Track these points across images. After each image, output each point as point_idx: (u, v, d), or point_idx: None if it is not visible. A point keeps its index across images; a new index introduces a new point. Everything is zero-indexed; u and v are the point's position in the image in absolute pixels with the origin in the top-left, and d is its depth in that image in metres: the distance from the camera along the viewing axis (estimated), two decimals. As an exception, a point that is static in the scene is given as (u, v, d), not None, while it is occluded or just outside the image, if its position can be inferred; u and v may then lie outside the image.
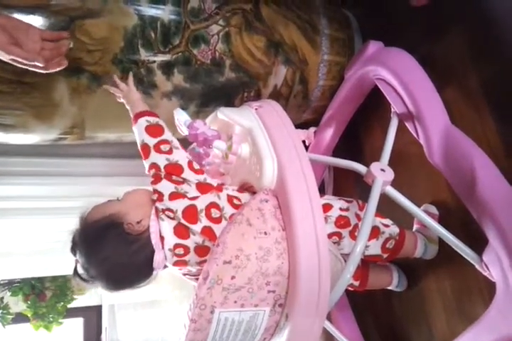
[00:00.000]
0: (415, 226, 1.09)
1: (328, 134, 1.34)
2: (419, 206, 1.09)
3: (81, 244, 0.86)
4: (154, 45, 1.04)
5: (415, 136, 0.99)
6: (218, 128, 1.06)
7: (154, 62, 1.06)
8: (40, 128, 1.09)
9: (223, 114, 1.00)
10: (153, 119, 0.94)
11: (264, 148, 0.88)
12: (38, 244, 2.08)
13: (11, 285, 3.65)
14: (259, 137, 0.91)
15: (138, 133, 0.94)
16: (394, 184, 0.89)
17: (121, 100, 1.02)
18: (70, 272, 0.90)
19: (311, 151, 1.39)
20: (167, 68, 1.07)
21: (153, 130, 0.92)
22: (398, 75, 1.01)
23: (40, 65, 0.82)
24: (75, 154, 1.52)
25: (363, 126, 1.37)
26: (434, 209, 1.06)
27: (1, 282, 3.58)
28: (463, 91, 1.03)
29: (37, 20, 0.94)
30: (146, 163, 0.91)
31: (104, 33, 0.99)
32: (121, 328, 4.16)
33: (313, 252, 0.77)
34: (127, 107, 1.00)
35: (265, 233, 0.79)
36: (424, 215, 0.87)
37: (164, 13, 1.04)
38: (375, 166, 0.89)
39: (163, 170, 0.88)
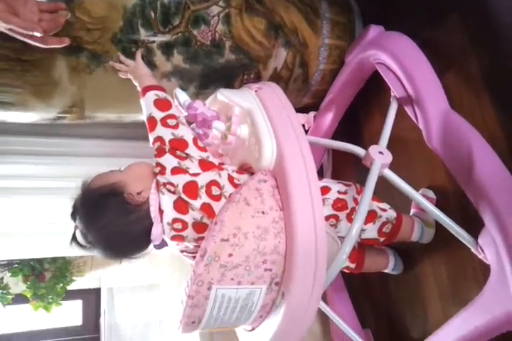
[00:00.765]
0: (412, 210, 1.10)
1: (328, 118, 1.34)
2: (416, 190, 1.10)
3: (81, 210, 0.88)
4: (154, 24, 1.04)
5: (414, 120, 0.99)
6: (218, 110, 1.06)
7: (154, 42, 1.05)
8: (39, 106, 1.09)
9: (223, 95, 1.00)
10: (161, 94, 0.95)
11: (263, 129, 0.88)
12: (37, 225, 2.07)
13: (10, 266, 3.68)
14: (259, 118, 0.91)
15: (146, 106, 0.95)
16: (392, 168, 0.90)
17: (128, 76, 1.02)
18: (70, 253, 0.92)
19: (310, 135, 1.39)
20: (167, 48, 1.06)
21: (162, 104, 0.93)
22: (398, 59, 1.01)
23: (39, 34, 0.81)
24: (74, 134, 1.52)
25: (363, 111, 1.37)
26: (431, 194, 1.06)
27: (1, 262, 3.61)
28: (463, 76, 1.03)
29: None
30: (151, 136, 0.92)
31: (104, 11, 0.99)
32: (119, 311, 4.20)
33: (311, 232, 0.78)
34: (134, 83, 1.01)
35: (263, 212, 0.79)
36: (421, 198, 0.88)
37: (164, -8, 1.03)
38: (373, 149, 0.89)
39: (167, 144, 0.88)
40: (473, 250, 0.84)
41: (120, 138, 1.55)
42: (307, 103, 1.41)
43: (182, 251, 0.97)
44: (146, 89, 0.96)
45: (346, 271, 1.11)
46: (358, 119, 1.39)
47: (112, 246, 0.89)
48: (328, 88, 1.32)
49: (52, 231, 2.09)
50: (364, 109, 1.35)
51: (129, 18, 1.01)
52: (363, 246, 1.08)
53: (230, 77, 1.18)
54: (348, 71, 1.22)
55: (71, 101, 1.09)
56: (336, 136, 1.41)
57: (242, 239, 0.76)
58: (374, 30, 1.14)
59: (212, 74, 1.15)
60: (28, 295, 3.73)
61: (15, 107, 1.08)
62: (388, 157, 0.88)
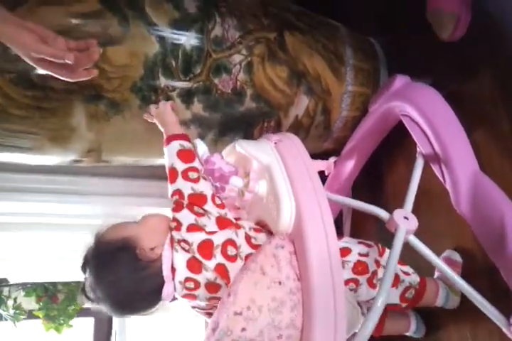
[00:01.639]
0: (437, 274, 1.04)
1: (349, 166, 1.30)
2: (441, 251, 1.05)
3: (92, 264, 0.86)
4: (175, 73, 1.02)
5: (441, 179, 0.95)
6: (235, 161, 1.03)
7: (174, 90, 1.03)
8: (56, 151, 1.08)
9: (241, 148, 0.97)
10: (186, 144, 0.94)
11: (282, 189, 0.85)
12: (53, 253, 2.08)
13: (24, 285, 3.67)
14: (278, 176, 0.87)
15: (169, 155, 0.93)
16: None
17: (154, 120, 1.00)
18: (81, 279, 0.90)
19: (330, 182, 1.35)
20: (187, 97, 1.04)
21: (185, 155, 0.92)
22: (425, 115, 0.97)
23: (71, 61, 0.78)
24: (92, 172, 1.51)
25: (386, 159, 1.33)
26: (457, 257, 1.01)
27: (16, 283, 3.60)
28: (492, 134, 0.99)
29: (57, 47, 0.91)
30: (171, 188, 0.90)
31: (125, 60, 0.97)
32: (131, 333, 4.13)
33: (330, 306, 0.74)
34: (160, 128, 0.99)
35: (279, 283, 0.75)
36: (446, 268, 0.83)
37: (187, 40, 1.01)
38: (398, 213, 0.85)
39: (186, 198, 0.87)
40: (504, 329, 0.78)
41: (136, 176, 1.53)
42: (328, 148, 1.37)
43: (193, 307, 0.94)
44: (171, 138, 0.95)
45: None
46: (381, 167, 1.35)
47: (120, 304, 0.86)
48: (349, 134, 1.29)
49: (66, 259, 2.08)
50: (387, 157, 1.31)
51: (150, 66, 0.99)
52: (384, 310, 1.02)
53: (249, 125, 1.15)
54: (372, 120, 1.19)
55: (88, 146, 1.08)
56: (357, 184, 1.37)
57: (257, 313, 0.72)
58: (400, 80, 1.11)
59: (232, 122, 1.12)
60: (40, 316, 3.71)
61: (32, 151, 1.06)
62: (414, 223, 0.84)
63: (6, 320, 3.47)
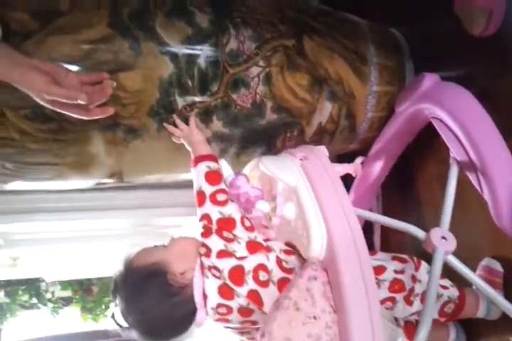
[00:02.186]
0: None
1: (377, 168, 1.26)
2: (480, 259, 1.01)
3: (122, 290, 0.85)
4: (192, 92, 0.98)
5: (478, 189, 0.90)
6: (260, 177, 1.00)
7: (192, 110, 0.99)
8: (77, 178, 1.07)
9: (266, 168, 0.94)
10: (213, 165, 0.93)
11: (311, 215, 0.82)
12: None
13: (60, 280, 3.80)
14: (306, 200, 0.85)
15: (196, 178, 0.92)
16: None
17: (181, 141, 0.99)
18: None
19: (357, 184, 1.31)
20: (205, 115, 1.01)
21: (212, 177, 0.91)
22: (458, 119, 0.92)
23: (84, 101, 0.77)
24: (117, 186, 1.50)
25: (416, 156, 1.27)
26: (497, 266, 0.96)
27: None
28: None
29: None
30: (199, 211, 0.89)
31: (139, 85, 0.94)
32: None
33: (368, 337, 0.71)
34: (188, 148, 0.98)
35: (314, 317, 0.73)
36: (487, 288, 0.79)
37: (201, 57, 0.97)
38: (435, 233, 0.81)
39: (215, 223, 0.86)
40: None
41: (161, 187, 1.52)
42: (354, 148, 1.33)
43: (226, 327, 0.93)
44: (199, 160, 0.94)
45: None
46: (411, 166, 1.29)
47: (151, 331, 0.85)
48: (376, 135, 1.24)
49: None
50: (417, 154, 1.26)
51: (165, 88, 0.96)
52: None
53: (271, 137, 1.11)
54: (400, 122, 1.13)
55: (109, 172, 1.06)
56: (385, 186, 1.32)
57: (294, 351, 0.70)
58: (429, 80, 1.05)
59: (254, 135, 1.09)
60: (78, 308, 3.85)
61: (53, 180, 1.06)
62: (452, 243, 0.80)
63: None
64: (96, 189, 1.43)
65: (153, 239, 1.82)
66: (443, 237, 0.80)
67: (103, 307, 3.87)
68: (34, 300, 3.74)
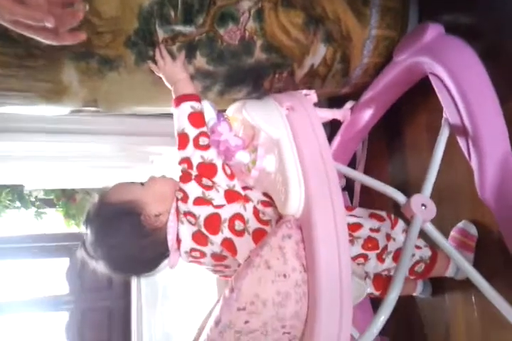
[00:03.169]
0: (450, 243, 1.00)
1: (367, 115, 1.21)
2: (457, 222, 1.01)
3: (94, 223, 0.85)
4: (174, 24, 0.89)
5: (466, 156, 0.87)
6: (243, 120, 0.96)
7: (174, 44, 0.91)
8: (50, 107, 1.00)
9: (250, 117, 0.89)
10: (197, 106, 0.87)
11: (291, 171, 0.79)
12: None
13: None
14: (287, 155, 0.81)
15: (179, 118, 0.88)
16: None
17: (160, 74, 0.92)
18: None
19: (345, 129, 1.28)
20: (188, 51, 0.93)
21: (196, 118, 0.86)
22: (457, 80, 0.87)
23: (51, 24, 0.68)
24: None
25: (407, 107, 1.23)
26: (473, 230, 0.97)
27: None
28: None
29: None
30: (180, 154, 0.86)
31: (116, 11, 0.85)
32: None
33: (336, 298, 0.73)
34: (166, 84, 0.91)
35: (284, 275, 0.73)
36: (460, 258, 0.79)
37: (187, -15, 0.87)
38: (416, 200, 0.79)
39: (195, 168, 0.83)
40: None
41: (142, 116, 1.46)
42: (345, 93, 1.26)
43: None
44: (182, 99, 0.88)
45: (371, 296, 1.06)
46: (401, 115, 1.25)
47: (118, 267, 0.86)
48: (370, 81, 1.17)
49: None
50: (408, 105, 1.21)
51: (145, 18, 0.87)
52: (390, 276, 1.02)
53: (259, 77, 1.04)
54: (396, 72, 1.07)
55: (83, 102, 1.00)
56: (373, 135, 1.29)
57: (260, 307, 0.71)
58: (432, 31, 0.97)
59: (240, 74, 1.02)
60: (61, 214, 3.93)
61: (25, 107, 0.99)
62: (431, 212, 0.79)
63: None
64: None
65: (133, 162, 1.81)
66: (423, 204, 0.79)
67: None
68: (18, 204, 3.77)
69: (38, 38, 0.73)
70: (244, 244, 0.82)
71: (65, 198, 3.93)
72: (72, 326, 3.86)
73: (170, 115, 0.95)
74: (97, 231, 0.84)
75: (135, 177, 1.96)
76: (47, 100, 0.96)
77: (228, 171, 0.85)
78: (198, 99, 0.89)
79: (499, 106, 0.81)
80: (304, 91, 1.04)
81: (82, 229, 0.88)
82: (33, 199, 3.82)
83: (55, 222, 4.06)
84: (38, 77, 0.90)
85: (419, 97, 1.14)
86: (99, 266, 0.85)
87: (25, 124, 1.39)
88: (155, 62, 0.91)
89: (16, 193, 3.69)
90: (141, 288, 3.35)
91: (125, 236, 0.83)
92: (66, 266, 4.06)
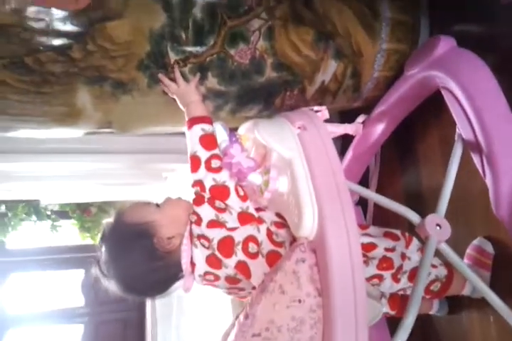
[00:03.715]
0: (466, 262, 0.99)
1: (378, 129, 1.20)
2: (473, 239, 1.00)
3: (108, 243, 0.86)
4: (185, 46, 0.90)
5: (481, 172, 0.86)
6: (255, 139, 0.96)
7: (185, 65, 0.92)
8: (65, 130, 1.02)
9: (260, 136, 0.89)
10: (208, 128, 0.88)
11: (304, 193, 0.79)
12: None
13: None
14: (300, 176, 0.81)
15: (191, 141, 0.88)
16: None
17: (173, 96, 0.93)
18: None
19: (357, 143, 1.27)
20: (199, 71, 0.94)
21: (208, 141, 0.87)
22: (470, 97, 0.86)
23: None
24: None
25: (419, 120, 1.22)
26: (489, 247, 0.95)
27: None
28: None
29: (50, 26, 0.81)
30: (193, 177, 0.86)
31: (128, 36, 0.86)
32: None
33: (351, 323, 0.72)
34: (180, 106, 0.93)
35: (299, 301, 0.73)
36: (476, 279, 0.78)
37: (197, 7, 0.88)
38: (430, 221, 0.78)
39: (208, 191, 0.83)
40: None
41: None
42: (357, 107, 1.26)
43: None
44: (194, 121, 0.89)
45: (387, 315, 1.05)
46: (413, 128, 1.24)
47: (129, 288, 0.86)
48: (381, 94, 1.17)
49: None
50: (420, 117, 1.20)
51: (156, 41, 0.88)
52: (406, 295, 1.01)
53: (270, 95, 1.05)
54: (408, 86, 1.06)
55: (97, 125, 1.01)
56: (385, 150, 1.28)
57: (275, 333, 0.71)
58: (444, 44, 0.96)
59: (251, 93, 1.02)
60: (76, 227, 3.96)
61: (40, 130, 1.01)
62: (446, 232, 0.78)
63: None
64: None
65: (146, 179, 1.82)
66: (438, 225, 0.78)
67: (101, 226, 3.95)
68: (34, 218, 3.81)
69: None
70: (258, 267, 0.82)
71: (80, 211, 3.96)
72: (86, 339, 3.86)
73: (181, 133, 0.95)
74: (111, 251, 0.85)
75: (149, 193, 1.97)
76: (62, 124, 0.97)
77: (241, 193, 0.85)
78: (210, 122, 0.89)
79: (513, 121, 0.80)
80: (316, 108, 1.04)
81: (98, 246, 0.88)
82: (48, 212, 3.86)
83: (70, 234, 4.09)
84: (53, 103, 0.91)
85: (431, 111, 1.14)
86: (111, 285, 0.85)
87: (41, 145, 1.41)
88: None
89: (32, 207, 3.73)
90: (156, 300, 3.35)
91: (137, 258, 0.83)
92: (81, 277, 4.08)
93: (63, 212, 3.91)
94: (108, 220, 0.90)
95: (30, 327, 3.84)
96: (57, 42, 0.81)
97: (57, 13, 0.80)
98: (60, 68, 0.84)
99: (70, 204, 3.85)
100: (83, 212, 3.92)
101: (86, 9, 0.81)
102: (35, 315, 3.92)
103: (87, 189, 1.95)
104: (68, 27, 0.82)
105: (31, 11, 0.77)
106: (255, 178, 0.84)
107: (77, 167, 1.57)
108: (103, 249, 0.85)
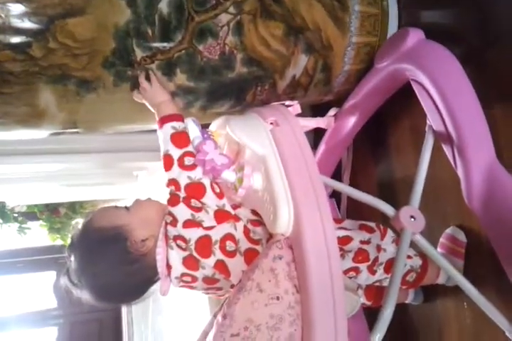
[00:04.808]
0: (440, 251, 1.00)
1: (350, 122, 1.20)
2: (446, 226, 1.01)
3: (78, 250, 0.82)
4: (152, 42, 0.88)
5: (452, 163, 0.87)
6: (227, 135, 0.94)
7: (152, 62, 0.89)
8: (28, 131, 0.98)
9: (233, 133, 0.87)
10: (179, 125, 0.86)
11: (279, 190, 0.78)
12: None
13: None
14: (274, 173, 0.80)
15: (163, 140, 0.86)
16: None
17: (142, 101, 0.91)
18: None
19: (330, 135, 1.27)
20: (168, 68, 0.91)
21: (179, 139, 0.84)
22: (439, 88, 0.86)
23: None
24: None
25: (390, 110, 1.22)
26: (462, 236, 0.97)
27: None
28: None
29: (6, 22, 0.77)
30: (166, 176, 0.84)
31: (91, 33, 0.82)
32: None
33: (330, 317, 0.72)
34: (152, 109, 0.90)
35: (277, 298, 0.72)
36: (451, 268, 0.79)
37: (163, 2, 0.85)
38: (404, 213, 0.79)
39: (183, 190, 0.81)
40: (507, 333, 0.77)
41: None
42: (329, 100, 1.26)
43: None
44: (164, 120, 0.87)
45: (363, 306, 1.06)
46: (384, 118, 1.24)
47: (103, 296, 0.82)
48: (352, 87, 1.16)
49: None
50: (391, 110, 1.20)
51: (121, 37, 0.85)
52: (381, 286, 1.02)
53: (241, 90, 1.03)
54: (378, 78, 1.06)
55: (62, 125, 0.98)
56: (357, 143, 1.29)
57: (254, 332, 0.70)
58: (413, 37, 0.96)
59: (221, 89, 1.00)
60: (46, 229, 3.86)
61: (1, 132, 0.96)
62: (420, 223, 0.79)
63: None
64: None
65: (117, 178, 1.79)
66: (412, 216, 0.78)
67: (71, 227, 3.88)
68: None
69: None
70: (236, 266, 0.81)
71: (49, 212, 3.86)
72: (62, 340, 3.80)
73: (151, 130, 0.93)
74: (81, 258, 0.81)
75: (121, 192, 1.93)
76: (25, 125, 0.93)
77: (217, 190, 0.83)
78: (180, 119, 0.87)
79: (482, 113, 0.81)
80: (287, 103, 1.03)
81: (66, 256, 0.85)
82: (15, 214, 3.75)
83: (39, 235, 3.99)
84: (14, 103, 0.87)
85: (402, 102, 1.14)
86: (83, 295, 0.81)
87: (5, 147, 1.35)
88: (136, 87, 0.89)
89: (-2, 209, 3.61)
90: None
91: (110, 263, 0.80)
92: (53, 279, 3.99)
93: (31, 214, 3.81)
94: (75, 226, 0.87)
95: (3, 332, 3.75)
96: (15, 40, 0.78)
97: (14, 9, 0.76)
98: (20, 67, 0.81)
99: (38, 205, 3.75)
100: (52, 213, 3.83)
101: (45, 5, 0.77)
102: (7, 319, 3.83)
103: (56, 190, 1.90)
104: (26, 24, 0.78)
105: (-15, 7, 0.73)
106: (229, 175, 0.83)
107: (44, 168, 1.52)
108: (72, 257, 0.82)
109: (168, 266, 0.81)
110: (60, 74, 0.84)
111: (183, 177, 0.82)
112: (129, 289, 0.83)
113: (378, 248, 0.91)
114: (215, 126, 0.99)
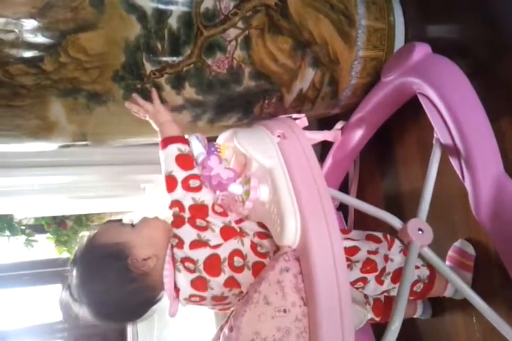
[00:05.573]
0: (448, 264, 1.00)
1: (357, 136, 1.21)
2: (454, 240, 1.01)
3: (79, 266, 0.81)
4: (161, 56, 0.89)
5: (460, 176, 0.87)
6: (234, 147, 0.95)
7: (162, 76, 0.91)
8: (38, 144, 0.99)
9: (240, 145, 0.88)
10: (185, 148, 0.86)
11: (286, 202, 0.78)
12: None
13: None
14: (281, 185, 0.80)
15: (166, 161, 0.86)
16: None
17: (146, 119, 0.92)
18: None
19: (336, 149, 1.27)
20: (177, 82, 0.92)
21: (184, 161, 0.84)
22: (446, 102, 0.87)
23: None
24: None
25: (397, 123, 1.22)
26: (470, 249, 0.96)
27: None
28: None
29: (20, 37, 0.79)
30: (170, 197, 0.83)
31: (102, 47, 0.84)
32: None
33: (337, 330, 0.71)
34: (155, 127, 0.91)
35: (284, 311, 0.72)
36: (459, 281, 0.78)
37: (172, 17, 0.87)
38: (412, 225, 0.78)
39: (187, 211, 0.81)
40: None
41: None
42: (336, 113, 1.27)
43: None
44: (168, 141, 0.87)
45: (371, 322, 1.05)
46: (391, 131, 1.25)
47: (101, 313, 0.81)
48: (359, 101, 1.17)
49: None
50: (399, 124, 1.21)
51: (132, 51, 0.86)
52: (389, 300, 1.01)
53: (248, 104, 1.04)
54: (385, 92, 1.07)
55: (71, 138, 0.99)
56: (364, 155, 1.29)
57: (261, 345, 0.69)
58: (420, 51, 0.97)
59: (229, 102, 1.01)
60: (52, 241, 3.87)
61: (12, 145, 0.98)
62: (428, 236, 0.78)
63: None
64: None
65: (124, 191, 1.79)
66: (420, 229, 0.78)
67: (77, 240, 3.88)
68: (7, 233, 3.71)
69: None
70: (245, 279, 0.80)
71: (56, 224, 3.88)
72: (67, 355, 3.78)
73: (158, 143, 0.94)
74: (82, 274, 0.80)
75: (128, 204, 1.93)
76: (35, 137, 0.95)
77: (219, 210, 0.83)
78: (185, 141, 0.87)
79: (490, 126, 0.81)
80: (294, 115, 1.04)
81: (68, 270, 0.85)
82: (22, 227, 3.76)
83: (46, 248, 3.99)
84: (25, 116, 0.88)
85: (409, 115, 1.15)
86: (83, 311, 0.80)
87: (14, 159, 1.37)
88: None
89: (5, 222, 3.63)
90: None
91: (110, 280, 0.79)
92: (58, 292, 3.98)
93: (38, 226, 3.82)
94: (81, 240, 0.86)
95: (8, 345, 3.74)
96: (27, 54, 0.79)
97: (28, 24, 0.78)
98: (32, 81, 0.82)
99: (45, 218, 3.76)
100: (59, 226, 3.85)
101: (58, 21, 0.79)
102: (12, 332, 3.81)
103: (63, 202, 1.91)
104: (39, 39, 0.80)
105: None
106: (236, 189, 0.83)
107: (52, 180, 1.53)
108: (74, 272, 0.81)
109: (176, 289, 0.80)
110: (70, 87, 0.86)
111: (188, 199, 0.81)
112: (128, 308, 0.82)
113: (386, 258, 0.91)
114: (222, 138, 1.00)
